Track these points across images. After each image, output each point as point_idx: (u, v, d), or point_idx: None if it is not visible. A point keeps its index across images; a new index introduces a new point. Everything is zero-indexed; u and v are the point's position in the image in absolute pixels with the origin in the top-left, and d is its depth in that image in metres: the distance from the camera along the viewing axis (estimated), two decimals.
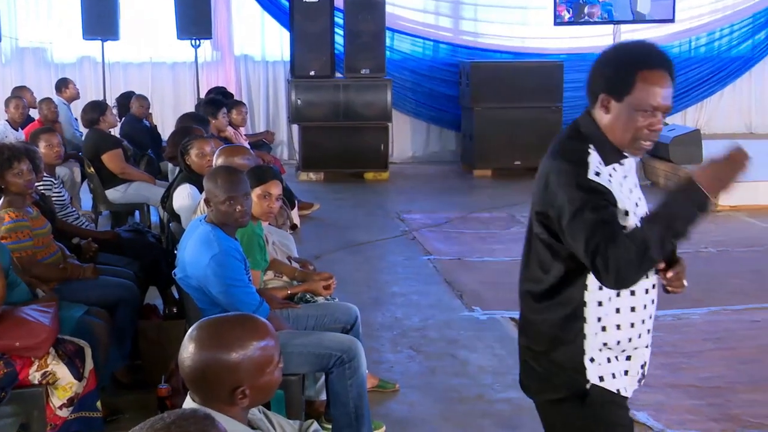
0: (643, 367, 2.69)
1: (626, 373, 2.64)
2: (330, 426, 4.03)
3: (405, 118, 12.45)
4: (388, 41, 11.55)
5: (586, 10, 10.69)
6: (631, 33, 11.96)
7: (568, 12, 10.71)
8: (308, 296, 4.55)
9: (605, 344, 2.58)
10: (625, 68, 2.51)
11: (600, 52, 2.65)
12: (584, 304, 2.56)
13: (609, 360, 2.61)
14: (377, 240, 8.12)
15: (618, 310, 2.57)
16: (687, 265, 2.62)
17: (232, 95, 10.15)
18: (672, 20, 10.98)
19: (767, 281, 6.54)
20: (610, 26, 10.89)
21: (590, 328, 2.57)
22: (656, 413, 4.38)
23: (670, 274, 2.58)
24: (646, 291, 2.60)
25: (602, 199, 2.43)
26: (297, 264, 4.89)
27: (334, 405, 3.94)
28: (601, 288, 2.52)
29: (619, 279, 2.36)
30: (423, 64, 12.49)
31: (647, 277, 2.57)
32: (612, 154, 2.53)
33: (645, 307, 2.61)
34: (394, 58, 12.11)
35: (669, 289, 2.65)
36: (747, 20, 13.03)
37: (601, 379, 2.61)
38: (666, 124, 2.20)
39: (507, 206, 9.41)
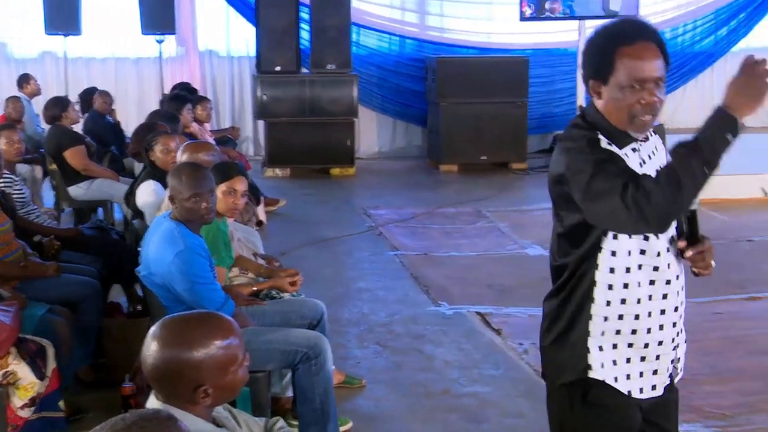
0: (674, 362, 2.60)
1: (655, 372, 2.56)
2: (296, 423, 4.02)
3: (371, 114, 12.44)
4: (354, 36, 11.54)
5: (547, 5, 10.71)
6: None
7: (530, 8, 10.74)
8: (274, 293, 4.53)
9: (627, 344, 2.53)
10: (604, 49, 2.45)
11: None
12: (594, 284, 2.51)
13: (629, 360, 2.54)
14: (344, 236, 8.11)
15: (639, 300, 2.51)
16: (713, 246, 2.51)
17: (196, 91, 10.08)
18: (636, 16, 11.04)
19: (730, 274, 6.60)
20: (576, 22, 10.94)
21: (597, 309, 2.52)
22: None
23: (689, 253, 2.47)
24: (668, 282, 2.53)
25: (620, 161, 2.41)
26: (263, 260, 4.86)
27: (301, 401, 3.93)
28: (612, 270, 2.48)
29: (659, 220, 2.30)
30: (389, 60, 12.47)
31: (669, 268, 2.50)
32: (621, 138, 2.48)
33: (665, 296, 2.51)
34: (360, 53, 12.08)
35: (695, 270, 2.53)
36: (709, 16, 13.16)
37: (616, 379, 2.55)
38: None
39: (473, 201, 9.44)
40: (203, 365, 2.17)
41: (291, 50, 10.94)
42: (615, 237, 2.46)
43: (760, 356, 5.15)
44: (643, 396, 2.58)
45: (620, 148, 2.46)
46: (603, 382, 2.55)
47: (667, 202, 2.25)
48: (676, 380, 2.66)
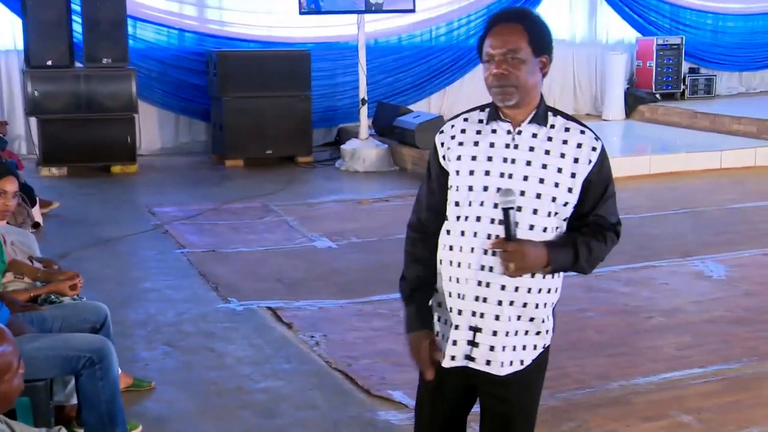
0: (472, 344, 2.67)
1: (455, 343, 2.68)
2: (82, 431, 3.87)
3: (152, 109, 12.11)
4: (130, 30, 11.19)
5: None
6: (374, 22, 12.28)
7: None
8: (53, 297, 4.34)
9: (438, 304, 2.75)
10: (481, 36, 2.68)
11: None
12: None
13: (445, 322, 2.74)
14: (127, 235, 7.86)
15: (440, 261, 2.73)
16: (522, 252, 2.54)
17: None
18: (413, 10, 11.32)
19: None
20: (355, 16, 11.10)
21: (439, 266, 2.75)
22: (412, 391, 4.49)
23: (488, 246, 2.59)
24: (472, 250, 2.63)
25: (431, 161, 2.80)
26: (40, 264, 4.64)
27: (86, 408, 3.78)
28: (448, 233, 2.71)
29: None
30: (168, 54, 12.18)
31: (476, 236, 2.61)
32: (493, 113, 2.68)
33: (459, 264, 2.65)
34: (137, 47, 11.73)
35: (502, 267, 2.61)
36: (482, 11, 13.67)
37: (437, 333, 2.75)
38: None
39: (260, 196, 9.41)
40: None
41: (63, 44, 10.45)
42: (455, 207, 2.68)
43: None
44: (444, 361, 2.71)
45: (488, 122, 2.67)
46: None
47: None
48: (480, 367, 2.69)
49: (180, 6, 12.34)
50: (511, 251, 2.53)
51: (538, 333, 2.70)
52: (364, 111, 11.22)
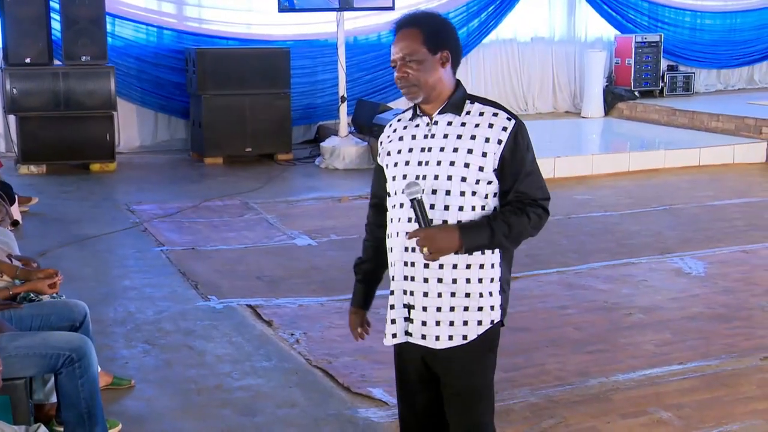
0: (408, 320, 2.85)
1: (393, 321, 2.89)
2: (62, 429, 3.85)
3: (131, 107, 12.06)
4: (109, 27, 11.15)
5: None
6: (354, 20, 12.28)
7: None
8: (32, 295, 4.32)
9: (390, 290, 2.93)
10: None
11: None
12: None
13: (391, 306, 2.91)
14: (106, 233, 7.82)
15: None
16: (430, 237, 2.70)
17: None
18: (392, 8, 11.32)
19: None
20: (334, 13, 11.09)
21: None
22: (391, 389, 4.50)
23: (407, 236, 2.78)
24: (397, 234, 2.85)
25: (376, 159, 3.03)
26: (18, 262, 4.61)
27: (65, 407, 3.77)
28: (392, 221, 2.91)
29: None
30: (147, 51, 12.14)
31: (400, 221, 2.83)
32: (415, 110, 2.92)
33: (392, 250, 2.88)
34: (116, 44, 11.69)
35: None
36: (461, 8, 13.71)
37: (393, 321, 2.91)
38: (408, 74, 2.63)
39: (239, 193, 9.39)
40: None
41: (42, 41, 10.39)
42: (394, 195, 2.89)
43: (518, 332, 5.43)
44: (385, 340, 2.91)
45: (412, 118, 2.90)
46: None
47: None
48: (417, 341, 2.86)
49: (159, 3, 12.30)
50: (423, 237, 2.70)
51: (480, 309, 2.80)
52: (343, 108, 11.21)
